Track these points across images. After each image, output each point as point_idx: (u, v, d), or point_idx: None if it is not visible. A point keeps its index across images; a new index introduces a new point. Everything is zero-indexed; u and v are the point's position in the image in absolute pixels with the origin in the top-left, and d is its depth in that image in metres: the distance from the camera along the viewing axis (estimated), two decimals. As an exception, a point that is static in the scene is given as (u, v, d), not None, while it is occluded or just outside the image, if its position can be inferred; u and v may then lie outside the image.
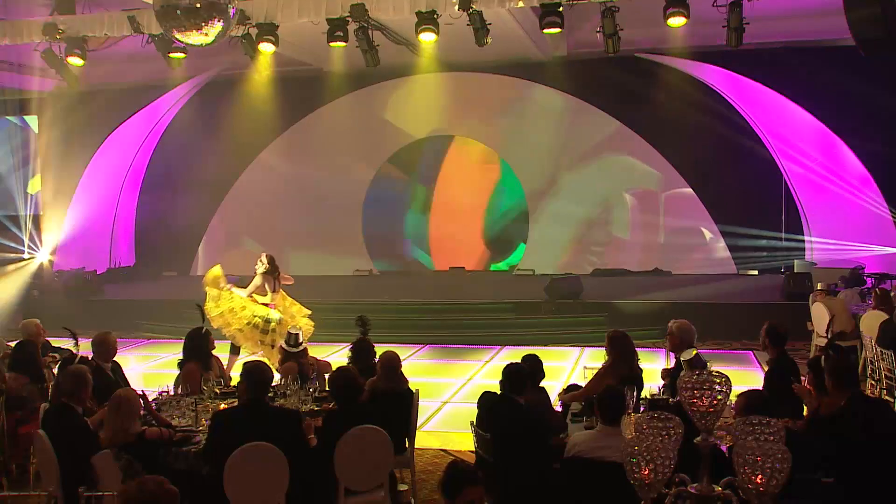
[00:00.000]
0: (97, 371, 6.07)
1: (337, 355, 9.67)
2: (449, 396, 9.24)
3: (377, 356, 6.16)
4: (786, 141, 15.59)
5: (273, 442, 4.49)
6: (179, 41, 6.19)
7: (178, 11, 5.78)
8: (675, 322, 6.17)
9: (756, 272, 15.89)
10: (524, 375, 5.34)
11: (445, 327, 12.88)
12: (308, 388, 6.15)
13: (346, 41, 10.24)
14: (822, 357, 5.37)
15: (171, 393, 6.06)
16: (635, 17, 10.45)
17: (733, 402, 4.82)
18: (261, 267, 9.26)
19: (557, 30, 9.83)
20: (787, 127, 15.45)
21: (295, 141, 18.38)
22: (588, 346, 11.27)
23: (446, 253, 18.02)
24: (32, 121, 19.01)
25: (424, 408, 7.97)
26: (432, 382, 9.61)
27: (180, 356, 6.70)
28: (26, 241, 17.61)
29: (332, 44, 10.29)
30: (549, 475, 4.75)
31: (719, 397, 2.66)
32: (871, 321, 8.34)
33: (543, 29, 9.85)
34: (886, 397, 7.61)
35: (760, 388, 5.60)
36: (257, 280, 9.21)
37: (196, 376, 6.15)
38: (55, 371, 7.22)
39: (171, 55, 10.89)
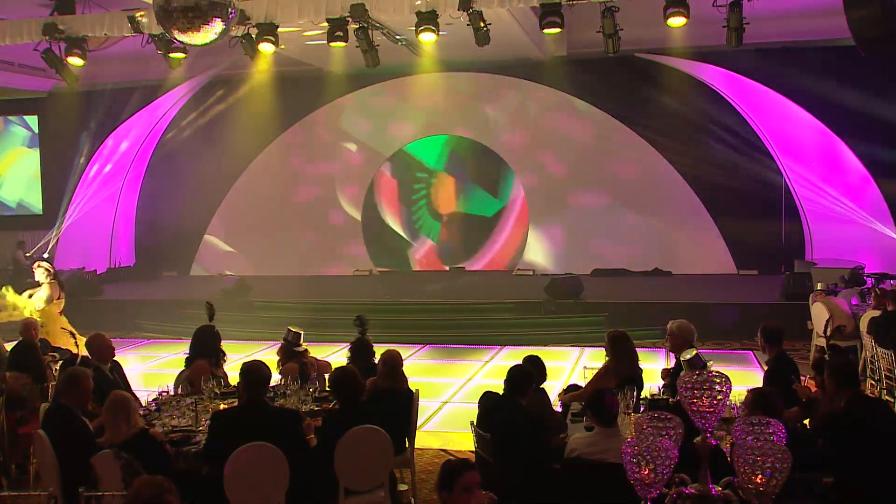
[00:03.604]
0: (96, 372, 6.08)
1: (337, 355, 9.67)
2: (449, 396, 9.23)
3: (377, 355, 6.17)
4: (786, 141, 15.59)
5: (273, 442, 4.49)
6: (179, 41, 6.19)
7: (177, 11, 5.77)
8: (675, 322, 6.16)
9: (756, 272, 15.90)
10: (531, 378, 5.33)
11: (445, 327, 12.88)
12: (308, 388, 6.14)
13: (346, 41, 10.23)
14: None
15: (171, 393, 6.06)
16: (635, 17, 10.44)
17: (734, 402, 4.84)
18: (44, 275, 9.28)
19: (557, 30, 9.81)
20: (787, 127, 15.45)
21: (295, 141, 18.39)
22: (588, 346, 11.27)
23: (446, 253, 18.01)
24: (32, 121, 19.03)
25: (424, 408, 7.97)
26: (432, 382, 9.60)
27: (181, 356, 6.70)
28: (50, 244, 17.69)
29: (332, 44, 10.28)
30: (549, 475, 4.75)
31: (719, 397, 2.66)
32: (871, 321, 8.35)
33: (543, 29, 9.83)
34: (886, 397, 7.61)
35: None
36: (46, 292, 9.24)
37: (207, 373, 6.15)
38: (55, 371, 7.23)
39: (171, 55, 10.87)
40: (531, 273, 16.74)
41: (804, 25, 13.65)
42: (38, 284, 9.46)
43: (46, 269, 9.40)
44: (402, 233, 18.23)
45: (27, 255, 17.31)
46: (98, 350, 6.43)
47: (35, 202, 19.14)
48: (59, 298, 9.40)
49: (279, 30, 10.18)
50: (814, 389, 5.51)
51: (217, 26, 5.88)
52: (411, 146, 17.90)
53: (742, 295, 13.78)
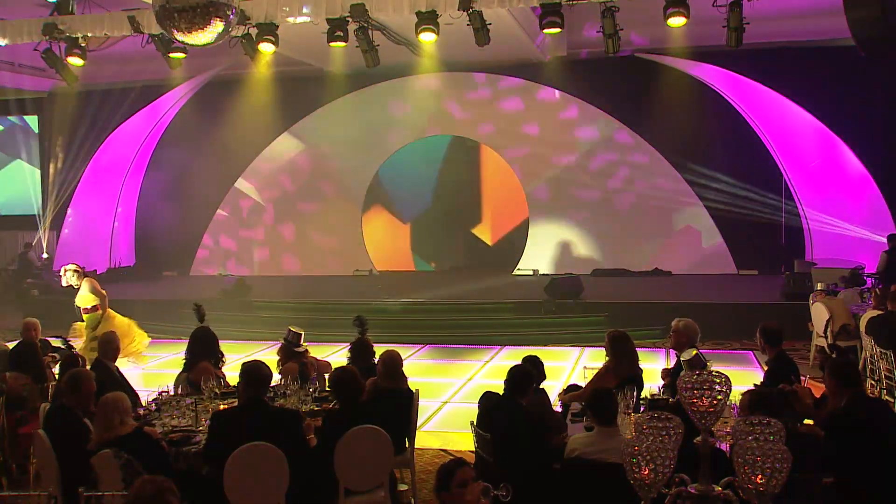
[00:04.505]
0: (103, 370, 6.10)
1: (337, 355, 9.67)
2: (449, 396, 9.23)
3: (377, 356, 6.16)
4: (786, 141, 15.60)
5: (273, 442, 4.49)
6: (179, 41, 6.19)
7: (178, 12, 5.77)
8: (681, 320, 6.16)
9: (756, 272, 15.91)
10: (531, 378, 5.33)
11: (445, 327, 12.88)
12: (308, 388, 6.14)
13: (346, 41, 10.23)
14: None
15: (171, 393, 6.06)
16: (635, 17, 10.47)
17: (734, 402, 4.84)
18: (75, 277, 9.25)
19: (557, 30, 9.82)
20: (787, 127, 15.45)
21: (295, 141, 18.39)
22: (588, 346, 11.26)
23: (446, 253, 18.02)
24: (32, 121, 19.04)
25: (424, 408, 7.97)
26: (432, 382, 9.60)
27: (181, 356, 6.71)
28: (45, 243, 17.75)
29: (332, 44, 10.29)
30: (549, 475, 4.75)
31: (719, 397, 2.66)
32: (871, 321, 8.34)
33: (543, 29, 9.83)
34: (886, 397, 7.60)
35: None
36: (87, 286, 9.19)
37: (211, 374, 6.15)
38: (55, 371, 7.24)
39: (171, 55, 10.88)
40: (531, 273, 16.74)
41: (804, 25, 13.65)
42: (73, 288, 9.42)
43: (75, 271, 9.36)
44: (401, 233, 18.24)
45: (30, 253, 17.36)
46: (105, 345, 6.48)
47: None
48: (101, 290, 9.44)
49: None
50: (817, 392, 5.51)
51: (217, 26, 5.88)
52: (411, 146, 17.90)
53: (742, 295, 13.77)
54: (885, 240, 12.88)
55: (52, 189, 18.24)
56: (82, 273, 9.42)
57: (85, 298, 9.26)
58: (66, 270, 9.45)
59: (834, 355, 6.62)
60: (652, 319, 11.77)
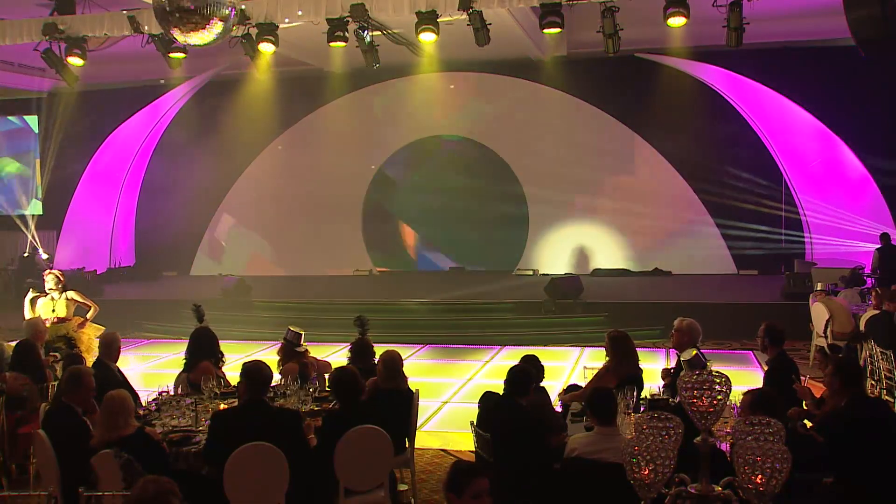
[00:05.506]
0: (104, 369, 6.09)
1: (337, 355, 9.67)
2: (449, 396, 9.23)
3: (377, 356, 6.16)
4: (786, 141, 15.60)
5: (273, 442, 4.49)
6: (179, 41, 6.18)
7: (177, 12, 5.76)
8: (684, 320, 6.16)
9: (756, 272, 15.91)
10: (530, 378, 5.33)
11: (445, 327, 12.88)
12: (308, 388, 6.14)
13: (346, 41, 10.23)
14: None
15: (171, 393, 6.06)
16: (635, 17, 10.45)
17: (734, 402, 4.84)
18: (52, 282, 8.73)
19: (557, 30, 9.81)
20: (787, 127, 15.46)
21: (295, 141, 18.40)
22: (588, 346, 11.27)
23: (446, 253, 18.02)
24: (32, 121, 19.04)
25: (424, 408, 7.97)
26: (432, 382, 9.60)
27: (180, 356, 6.71)
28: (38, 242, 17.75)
29: (332, 44, 10.29)
30: (549, 475, 4.75)
31: (719, 397, 2.66)
32: (871, 321, 8.34)
33: (543, 29, 9.83)
34: (886, 397, 7.60)
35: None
36: (77, 297, 8.86)
37: (211, 374, 6.16)
38: (58, 371, 7.24)
39: (171, 55, 10.88)
40: (531, 273, 16.74)
41: (804, 25, 13.67)
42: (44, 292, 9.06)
43: (56, 277, 8.97)
44: (402, 233, 18.24)
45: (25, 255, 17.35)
46: (106, 346, 6.48)
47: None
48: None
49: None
50: (817, 392, 5.51)
51: (217, 26, 5.88)
52: (411, 146, 17.90)
53: (742, 295, 13.78)
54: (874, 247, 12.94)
55: (52, 189, 18.24)
56: (61, 284, 8.98)
57: (58, 308, 8.85)
58: (49, 272, 9.11)
59: (841, 356, 6.61)
60: (652, 319, 11.78)
